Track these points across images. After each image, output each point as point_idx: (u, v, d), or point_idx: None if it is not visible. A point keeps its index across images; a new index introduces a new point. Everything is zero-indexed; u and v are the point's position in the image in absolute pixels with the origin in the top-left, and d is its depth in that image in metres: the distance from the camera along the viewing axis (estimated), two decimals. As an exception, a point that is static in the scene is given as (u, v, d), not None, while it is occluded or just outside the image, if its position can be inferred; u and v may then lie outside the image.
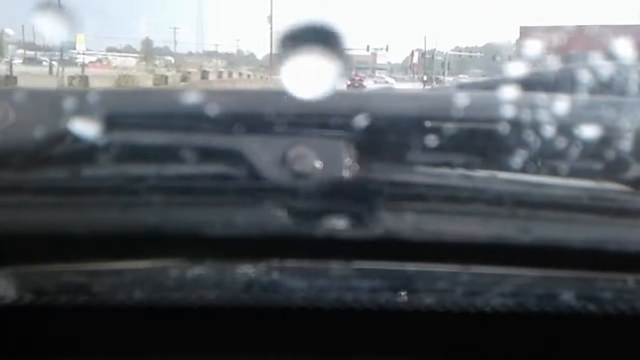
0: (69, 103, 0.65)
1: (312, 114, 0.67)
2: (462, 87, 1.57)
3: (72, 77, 15.21)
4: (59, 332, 0.59)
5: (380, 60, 67.80)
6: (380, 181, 0.66)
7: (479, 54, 60.78)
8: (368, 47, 54.71)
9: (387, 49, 60.45)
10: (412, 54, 61.96)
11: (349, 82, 31.51)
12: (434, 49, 54.98)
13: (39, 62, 28.91)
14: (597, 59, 0.75)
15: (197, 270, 0.62)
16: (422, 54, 58.05)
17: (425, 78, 41.70)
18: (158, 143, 0.66)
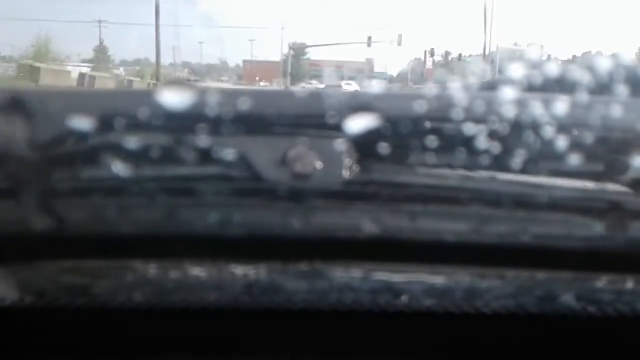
0: (69, 103, 0.65)
1: (312, 114, 0.67)
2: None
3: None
4: (59, 334, 0.59)
5: (379, 69, 51.05)
6: (379, 181, 0.66)
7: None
8: (369, 38, 35.70)
9: (399, 42, 34.97)
10: (430, 53, 39.76)
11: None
12: (447, 52, 44.24)
13: None
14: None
15: (198, 272, 0.62)
16: (446, 54, 45.36)
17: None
18: (158, 143, 0.66)
